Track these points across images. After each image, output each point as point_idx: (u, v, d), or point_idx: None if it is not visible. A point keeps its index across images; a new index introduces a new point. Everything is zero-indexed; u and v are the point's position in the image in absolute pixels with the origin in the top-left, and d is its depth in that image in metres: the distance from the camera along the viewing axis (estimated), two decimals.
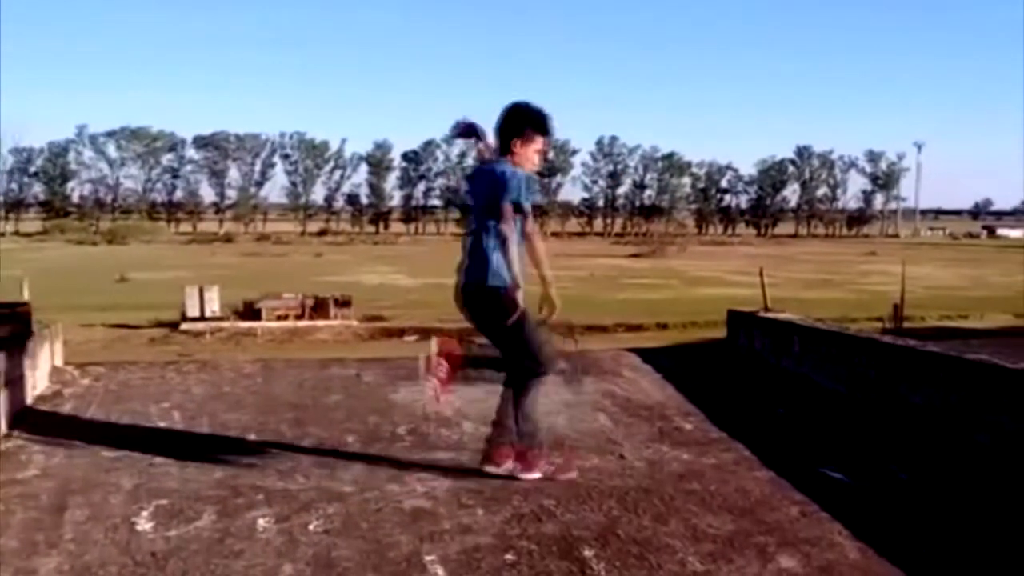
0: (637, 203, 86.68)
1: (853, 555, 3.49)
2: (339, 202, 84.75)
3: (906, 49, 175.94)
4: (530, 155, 4.20)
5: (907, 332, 16.98)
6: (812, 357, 6.61)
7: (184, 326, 20.24)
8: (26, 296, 6.11)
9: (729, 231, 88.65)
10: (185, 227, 78.41)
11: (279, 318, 21.02)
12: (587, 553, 3.48)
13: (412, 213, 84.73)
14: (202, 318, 20.66)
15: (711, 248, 57.26)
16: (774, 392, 6.38)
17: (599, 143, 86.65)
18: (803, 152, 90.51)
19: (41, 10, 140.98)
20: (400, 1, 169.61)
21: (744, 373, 7.11)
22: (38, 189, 78.22)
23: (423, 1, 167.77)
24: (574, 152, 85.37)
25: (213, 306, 21.02)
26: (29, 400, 5.63)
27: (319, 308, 21.53)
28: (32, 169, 77.30)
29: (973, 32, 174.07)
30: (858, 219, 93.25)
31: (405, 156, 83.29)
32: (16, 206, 77.15)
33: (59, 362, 6.77)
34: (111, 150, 78.87)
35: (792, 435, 5.27)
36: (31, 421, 5.29)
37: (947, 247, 65.47)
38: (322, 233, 75.57)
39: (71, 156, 78.03)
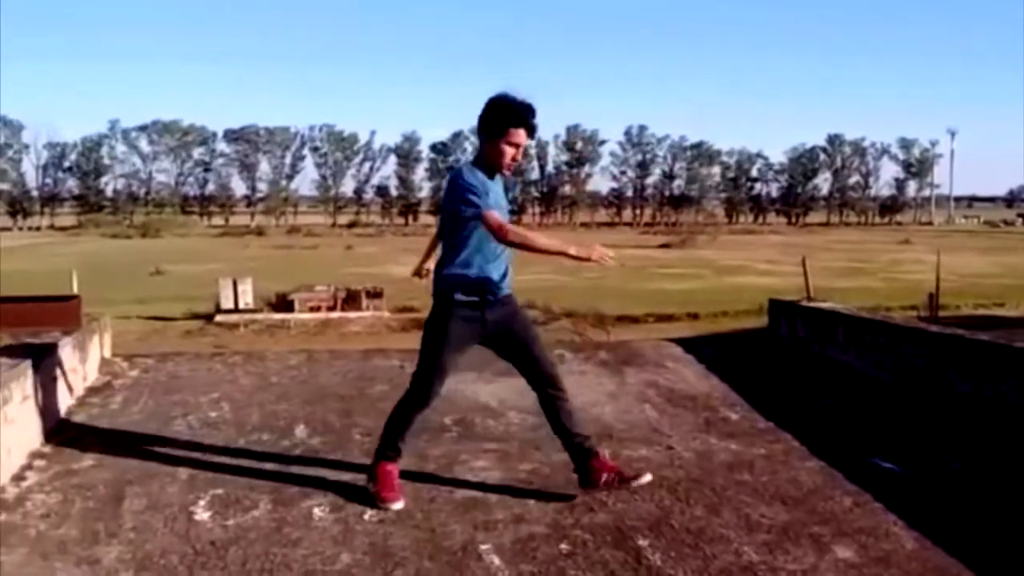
0: (666, 193, 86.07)
1: (910, 545, 3.47)
2: (368, 194, 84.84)
3: (939, 35, 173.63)
4: (501, 150, 3.81)
5: (942, 321, 16.81)
6: (857, 346, 6.56)
7: (218, 318, 20.36)
8: (75, 289, 6.17)
9: (759, 220, 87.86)
10: (217, 220, 78.84)
11: (312, 309, 21.11)
12: (642, 543, 3.50)
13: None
14: (236, 310, 20.78)
15: (741, 237, 56.86)
16: (819, 381, 6.34)
17: (627, 133, 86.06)
18: (834, 140, 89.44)
19: (70, 6, 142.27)
20: None
21: (787, 362, 7.07)
22: (72, 184, 79.05)
23: None
24: (602, 142, 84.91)
25: (247, 298, 21.14)
26: (81, 391, 5.72)
27: (351, 300, 21.61)
28: (66, 164, 78.12)
29: (1007, 17, 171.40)
30: (891, 207, 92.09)
31: (434, 147, 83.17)
32: (50, 201, 77.99)
33: (108, 354, 6.86)
34: (143, 144, 79.44)
35: (840, 425, 5.24)
36: (84, 411, 5.37)
37: (981, 235, 64.51)
38: (352, 225, 75.73)
39: (104, 151, 78.69)
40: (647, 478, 3.94)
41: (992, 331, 9.48)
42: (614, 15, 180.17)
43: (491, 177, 3.85)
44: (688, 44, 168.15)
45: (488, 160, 3.86)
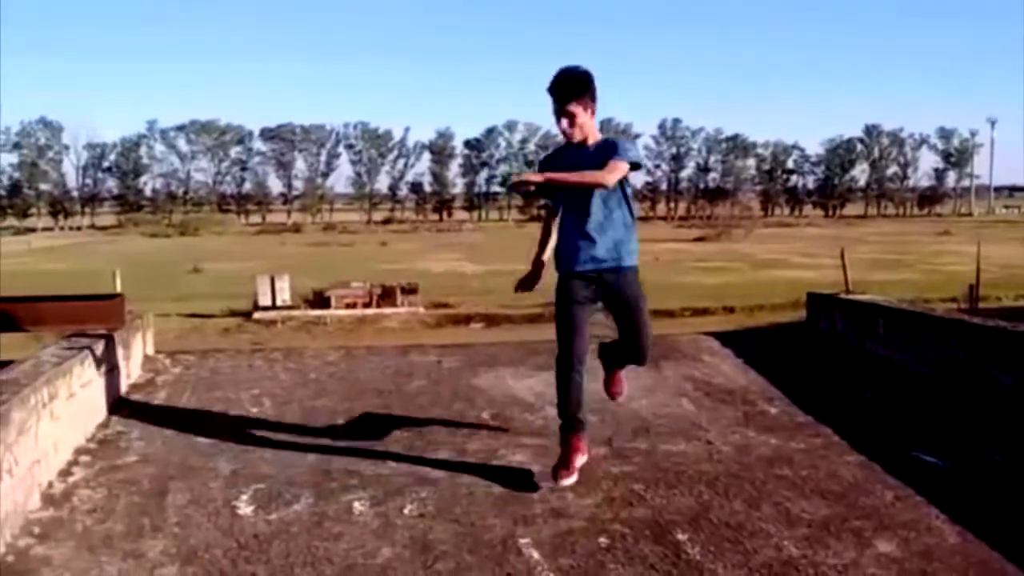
0: (701, 186, 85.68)
1: (952, 539, 3.44)
2: (403, 191, 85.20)
3: (978, 23, 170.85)
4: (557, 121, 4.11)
5: (983, 313, 16.54)
6: (898, 339, 6.49)
7: (256, 315, 20.56)
8: (119, 287, 6.27)
9: (796, 212, 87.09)
10: (254, 218, 79.56)
11: (348, 306, 21.26)
12: (681, 537, 3.50)
13: (475, 200, 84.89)
14: (273, 307, 20.98)
15: (777, 230, 56.36)
16: (859, 375, 6.28)
17: (661, 126, 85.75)
18: (872, 130, 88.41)
19: (108, 8, 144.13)
20: None
21: (826, 356, 7.01)
22: (112, 184, 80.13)
23: None
24: (637, 136, 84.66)
25: (284, 295, 21.33)
26: (124, 388, 5.81)
27: (386, 296, 21.73)
28: (105, 164, 79.22)
29: None
30: (930, 198, 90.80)
31: (467, 144, 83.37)
32: (91, 200, 79.12)
33: (151, 351, 6.96)
34: (181, 144, 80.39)
35: (880, 418, 5.19)
36: (128, 408, 5.46)
37: (1023, 225, 63.48)
38: (387, 222, 76.12)
39: (143, 151, 79.73)
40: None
41: None
42: (648, 8, 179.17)
43: (567, 146, 4.14)
44: (722, 36, 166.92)
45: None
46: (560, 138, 4.19)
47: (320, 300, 21.59)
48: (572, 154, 4.08)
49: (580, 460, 4.09)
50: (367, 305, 21.41)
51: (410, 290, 22.01)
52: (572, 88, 4.01)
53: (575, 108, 4.00)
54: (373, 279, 22.62)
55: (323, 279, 23.28)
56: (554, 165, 4.09)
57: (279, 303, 21.21)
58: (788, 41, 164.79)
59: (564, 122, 4.03)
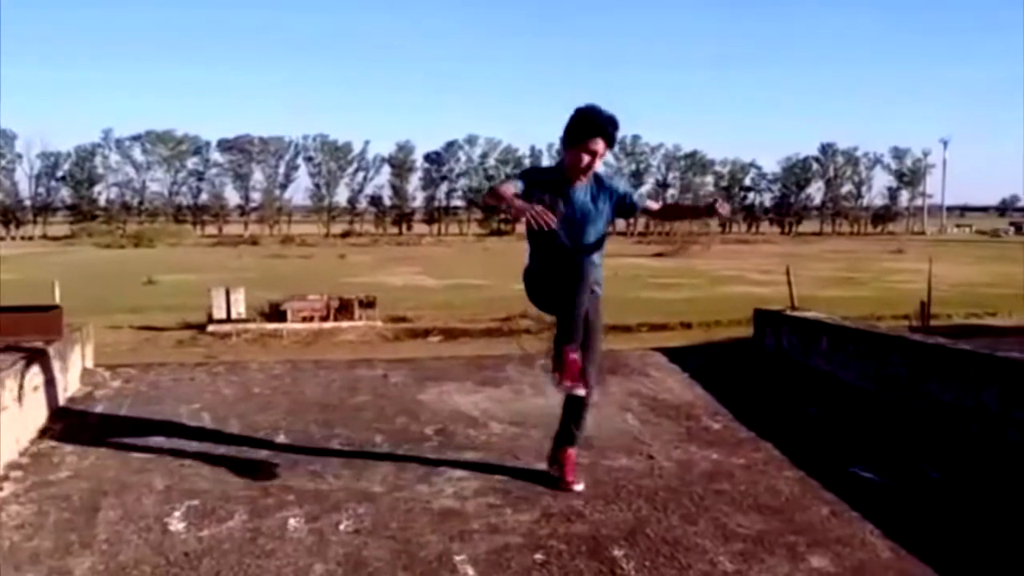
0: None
1: (885, 554, 3.47)
2: (362, 204, 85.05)
3: (931, 45, 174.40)
4: (579, 157, 4.09)
5: (934, 330, 16.81)
6: (841, 355, 6.56)
7: (211, 328, 20.37)
8: (57, 299, 6.15)
9: (753, 229, 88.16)
10: (211, 230, 78.88)
11: (304, 319, 21.12)
12: (617, 553, 3.49)
13: (435, 214, 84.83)
14: (228, 320, 20.79)
15: (735, 247, 57.03)
16: (803, 391, 6.34)
17: (621, 142, 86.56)
18: (827, 149, 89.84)
19: (62, 14, 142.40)
20: (421, 3, 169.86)
21: (772, 372, 7.07)
22: (65, 193, 79.01)
23: (443, 3, 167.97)
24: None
25: (239, 308, 21.15)
26: (61, 402, 5.68)
27: (344, 309, 21.62)
28: (59, 173, 78.10)
29: (998, 27, 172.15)
30: (883, 216, 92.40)
31: (427, 157, 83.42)
32: (44, 210, 77.92)
33: (90, 364, 6.83)
34: (137, 154, 79.58)
35: (822, 434, 5.23)
36: (63, 422, 5.33)
37: (974, 244, 64.76)
38: (346, 235, 75.81)
39: (98, 160, 78.78)
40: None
41: (982, 340, 9.51)
42: (606, 26, 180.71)
43: (568, 183, 4.12)
44: (681, 53, 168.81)
45: (570, 166, 4.12)
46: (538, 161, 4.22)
47: (276, 313, 21.42)
48: (571, 190, 4.12)
49: None
50: (324, 318, 21.28)
51: (368, 303, 21.92)
52: (616, 132, 4.10)
53: (605, 151, 4.11)
54: (331, 292, 22.49)
55: (280, 292, 23.11)
56: (555, 197, 4.04)
57: (234, 316, 21.02)
58: (745, 59, 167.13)
59: (587, 159, 4.07)
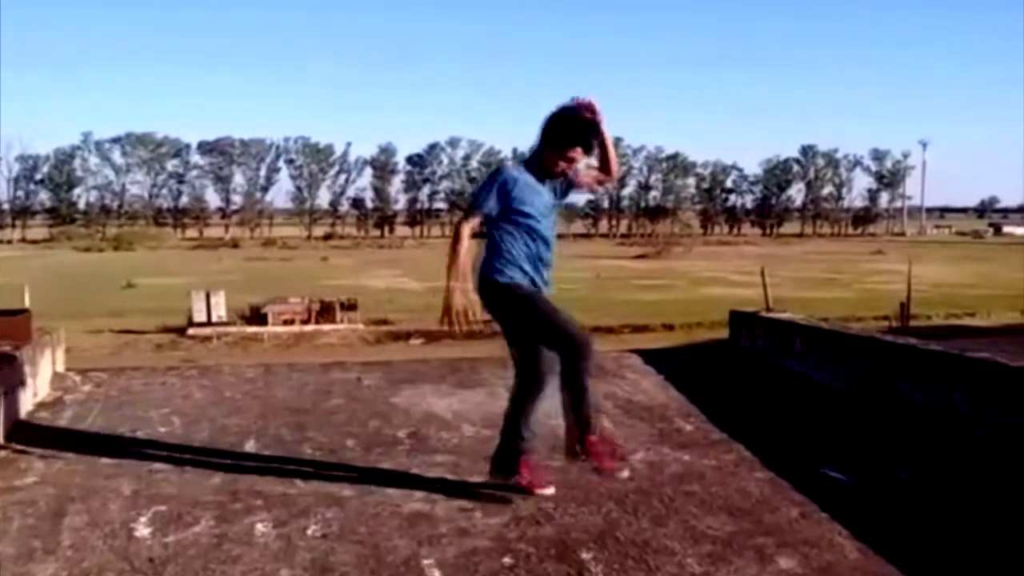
0: (642, 204, 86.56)
1: (853, 555, 3.48)
2: (344, 206, 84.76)
3: (910, 47, 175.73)
4: (555, 161, 4.05)
5: (914, 330, 16.88)
6: (814, 356, 6.59)
7: (191, 331, 20.20)
8: (27, 303, 6.09)
9: (734, 231, 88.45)
10: (191, 233, 78.38)
11: (285, 322, 20.99)
12: (585, 556, 3.48)
13: (417, 216, 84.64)
14: (209, 323, 20.62)
15: (717, 248, 57.12)
16: (776, 392, 6.36)
17: None
18: (808, 151, 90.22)
19: (44, 15, 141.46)
20: (403, 4, 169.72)
21: (746, 373, 7.09)
22: (44, 196, 78.40)
23: (425, 4, 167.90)
24: None
25: (220, 311, 20.98)
26: (30, 407, 5.63)
27: (325, 312, 21.50)
28: (38, 176, 77.49)
29: (977, 30, 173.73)
30: (863, 218, 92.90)
31: (410, 160, 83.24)
32: (22, 213, 77.23)
33: (61, 368, 6.77)
34: (116, 156, 78.92)
35: (794, 435, 5.25)
36: (31, 428, 5.29)
37: (953, 245, 65.14)
38: (328, 237, 75.50)
39: (77, 163, 78.12)
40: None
41: (954, 340, 9.56)
42: (588, 26, 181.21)
43: (541, 180, 4.07)
44: (663, 55, 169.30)
45: (542, 165, 4.08)
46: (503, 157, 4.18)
47: (257, 316, 21.28)
48: (541, 189, 4.07)
49: None
50: (305, 321, 21.15)
51: (349, 306, 21.80)
52: (595, 139, 4.09)
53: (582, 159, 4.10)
54: (312, 295, 22.37)
55: (261, 295, 22.97)
56: (532, 195, 4.02)
57: (214, 319, 20.84)
58: (726, 60, 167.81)
59: (564, 167, 4.06)
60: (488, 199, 3.99)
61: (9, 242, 70.31)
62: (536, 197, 4.03)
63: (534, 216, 4.01)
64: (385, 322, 21.54)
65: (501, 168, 4.14)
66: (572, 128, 4.03)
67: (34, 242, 67.90)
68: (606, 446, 4.13)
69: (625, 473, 4.18)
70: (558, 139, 4.01)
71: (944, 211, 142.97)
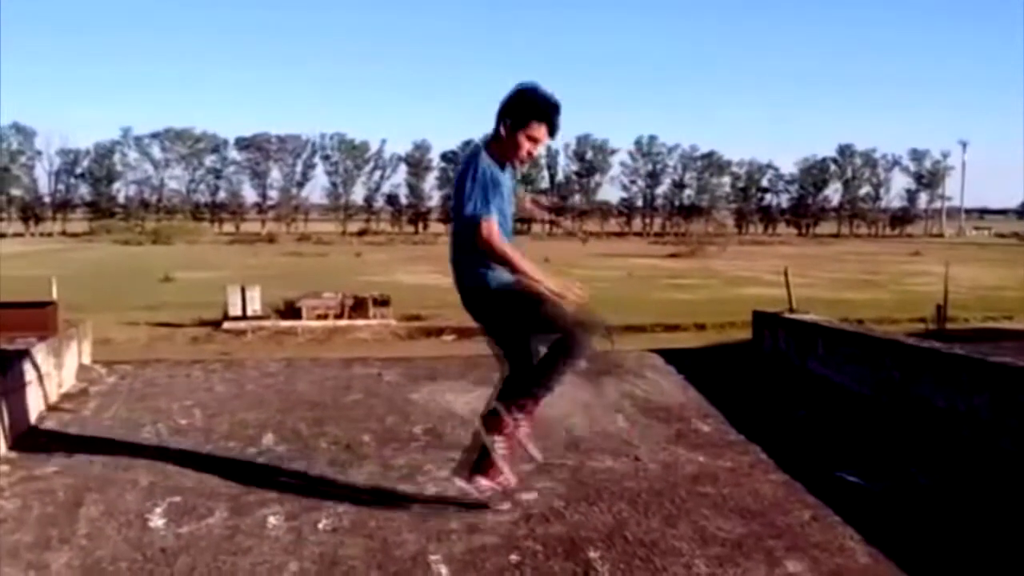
0: (676, 203, 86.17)
1: (863, 560, 3.44)
2: (379, 202, 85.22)
3: (950, 46, 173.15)
4: (519, 142, 3.74)
5: (950, 333, 16.69)
6: (836, 359, 6.52)
7: (226, 325, 20.44)
8: (55, 295, 6.19)
9: (769, 231, 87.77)
10: (228, 227, 79.29)
11: (319, 317, 21.18)
12: (592, 554, 3.47)
13: (451, 213, 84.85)
14: (244, 317, 20.85)
15: (751, 248, 56.69)
16: (797, 394, 6.30)
17: (638, 142, 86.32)
18: (845, 150, 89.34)
19: (84, 15, 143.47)
20: (440, 3, 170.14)
21: (768, 375, 7.04)
22: (84, 190, 79.64)
23: (462, 3, 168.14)
24: (613, 152, 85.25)
25: (255, 305, 21.20)
26: (54, 398, 5.73)
27: (358, 307, 21.67)
28: (78, 170, 78.70)
29: (1019, 28, 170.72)
30: (901, 218, 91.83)
31: (444, 156, 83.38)
32: (63, 207, 78.50)
33: (87, 360, 6.87)
34: (155, 151, 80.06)
35: (811, 438, 5.20)
36: (55, 418, 5.39)
37: (992, 247, 64.18)
38: (362, 233, 75.96)
39: (116, 157, 79.31)
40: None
41: (983, 344, 9.42)
42: (624, 25, 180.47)
43: (502, 167, 3.78)
44: (699, 54, 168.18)
45: (503, 148, 3.77)
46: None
47: (291, 311, 21.49)
48: (505, 178, 3.82)
49: None
50: (338, 316, 21.32)
51: (382, 302, 21.95)
52: (559, 120, 3.80)
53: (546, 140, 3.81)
54: (346, 290, 22.55)
55: (296, 289, 23.19)
56: (503, 187, 3.77)
57: (249, 313, 21.07)
58: (764, 59, 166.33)
59: (528, 147, 3.76)
60: (493, 197, 3.70)
61: (50, 235, 71.46)
62: (504, 189, 3.78)
63: (503, 211, 3.78)
64: (418, 318, 21.63)
65: (485, 164, 3.73)
66: (537, 106, 3.74)
67: (75, 235, 68.95)
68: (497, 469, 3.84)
69: (506, 505, 3.91)
70: (521, 116, 3.71)
71: (984, 212, 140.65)
